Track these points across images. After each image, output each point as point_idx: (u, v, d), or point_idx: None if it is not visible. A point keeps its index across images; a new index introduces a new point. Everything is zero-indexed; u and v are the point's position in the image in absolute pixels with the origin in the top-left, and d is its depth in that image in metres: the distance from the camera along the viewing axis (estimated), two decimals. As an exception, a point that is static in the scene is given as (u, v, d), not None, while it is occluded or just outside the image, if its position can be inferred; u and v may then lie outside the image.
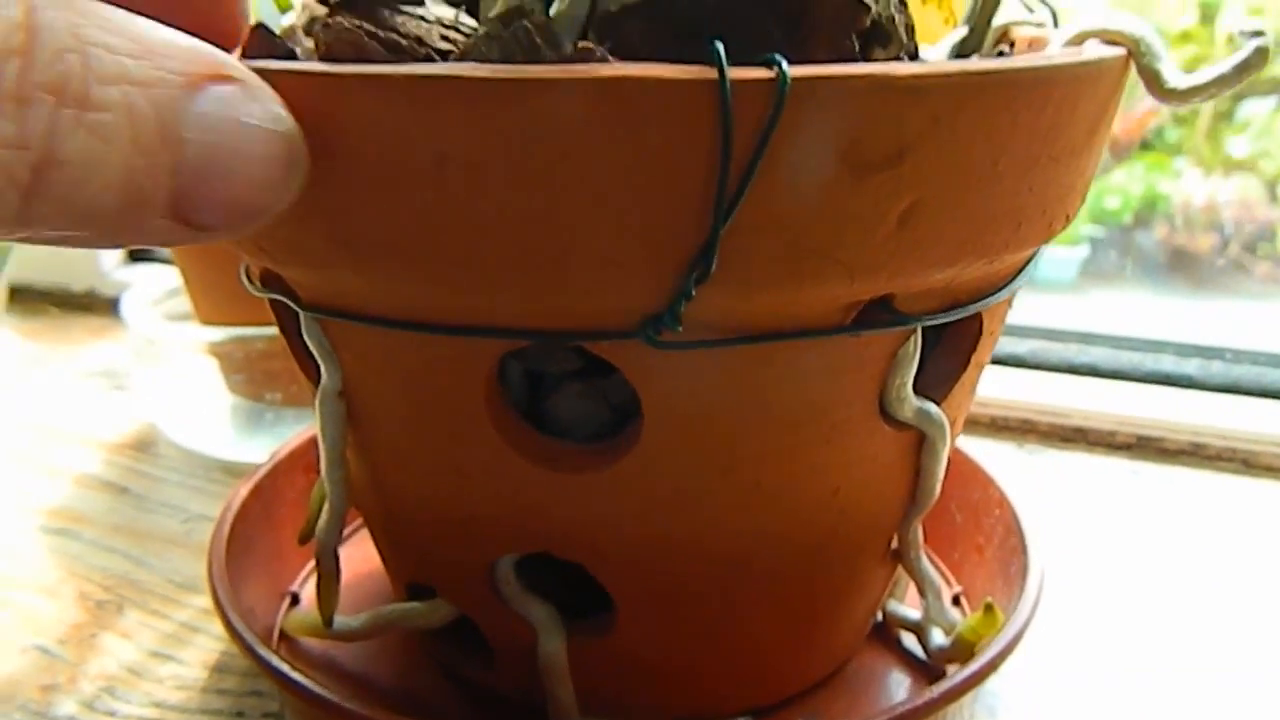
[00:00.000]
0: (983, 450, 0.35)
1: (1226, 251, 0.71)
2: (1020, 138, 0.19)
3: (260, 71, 0.16)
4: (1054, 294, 0.71)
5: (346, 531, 0.28)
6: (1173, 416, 0.45)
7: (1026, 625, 0.26)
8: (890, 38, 0.20)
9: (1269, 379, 0.48)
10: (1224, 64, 0.21)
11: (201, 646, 0.32)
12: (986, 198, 0.19)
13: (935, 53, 0.28)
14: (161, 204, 0.14)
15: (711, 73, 0.16)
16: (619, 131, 0.16)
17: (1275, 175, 0.69)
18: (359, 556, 0.32)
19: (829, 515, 0.24)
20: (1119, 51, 0.21)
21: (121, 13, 0.14)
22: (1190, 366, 0.49)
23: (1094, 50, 0.20)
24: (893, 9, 0.20)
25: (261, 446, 0.44)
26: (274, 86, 0.16)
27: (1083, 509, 0.41)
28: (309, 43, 0.23)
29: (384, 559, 0.29)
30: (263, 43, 0.22)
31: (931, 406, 0.23)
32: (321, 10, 0.24)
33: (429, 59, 0.19)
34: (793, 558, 0.24)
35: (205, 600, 0.34)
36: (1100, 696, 0.30)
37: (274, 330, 0.26)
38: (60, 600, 0.35)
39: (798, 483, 0.22)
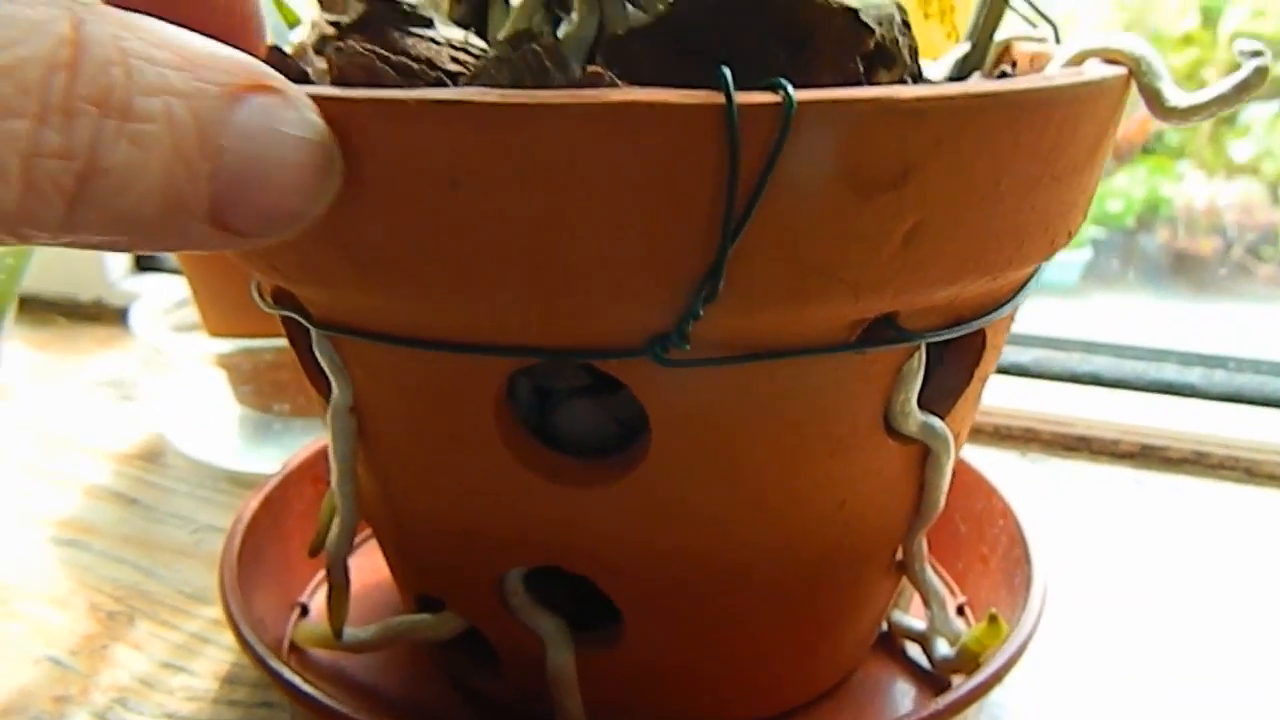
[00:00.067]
0: (986, 459, 0.35)
1: (1229, 255, 0.71)
2: (1022, 157, 0.19)
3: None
4: (1056, 297, 0.71)
5: (355, 543, 0.28)
6: (1176, 425, 0.46)
7: (1031, 636, 0.27)
8: (894, 60, 0.20)
9: (1272, 388, 0.48)
10: (1224, 83, 0.21)
11: (212, 657, 0.33)
12: (989, 217, 0.19)
13: (938, 69, 0.28)
14: (200, 210, 0.14)
15: (718, 97, 0.16)
16: (628, 155, 0.16)
17: (1277, 178, 0.69)
18: (368, 567, 0.32)
19: (834, 528, 0.24)
20: (1120, 71, 0.21)
21: (165, 25, 0.14)
22: (1193, 375, 0.49)
23: (1095, 70, 0.21)
24: (896, 31, 0.20)
25: (269, 457, 0.44)
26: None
27: (1086, 518, 0.41)
28: (320, 63, 0.24)
29: (393, 571, 0.30)
30: (277, 64, 0.22)
31: (936, 420, 0.23)
32: (330, 29, 0.24)
33: (440, 82, 0.19)
34: (798, 570, 0.24)
35: (215, 611, 0.35)
36: (1105, 706, 0.31)
37: (282, 342, 0.26)
38: (71, 611, 0.35)
39: (803, 496, 0.23)
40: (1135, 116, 0.22)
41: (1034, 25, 0.29)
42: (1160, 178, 0.74)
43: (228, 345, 0.44)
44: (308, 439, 0.43)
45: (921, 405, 0.23)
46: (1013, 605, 0.29)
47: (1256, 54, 0.21)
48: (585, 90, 0.16)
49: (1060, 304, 0.70)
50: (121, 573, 0.37)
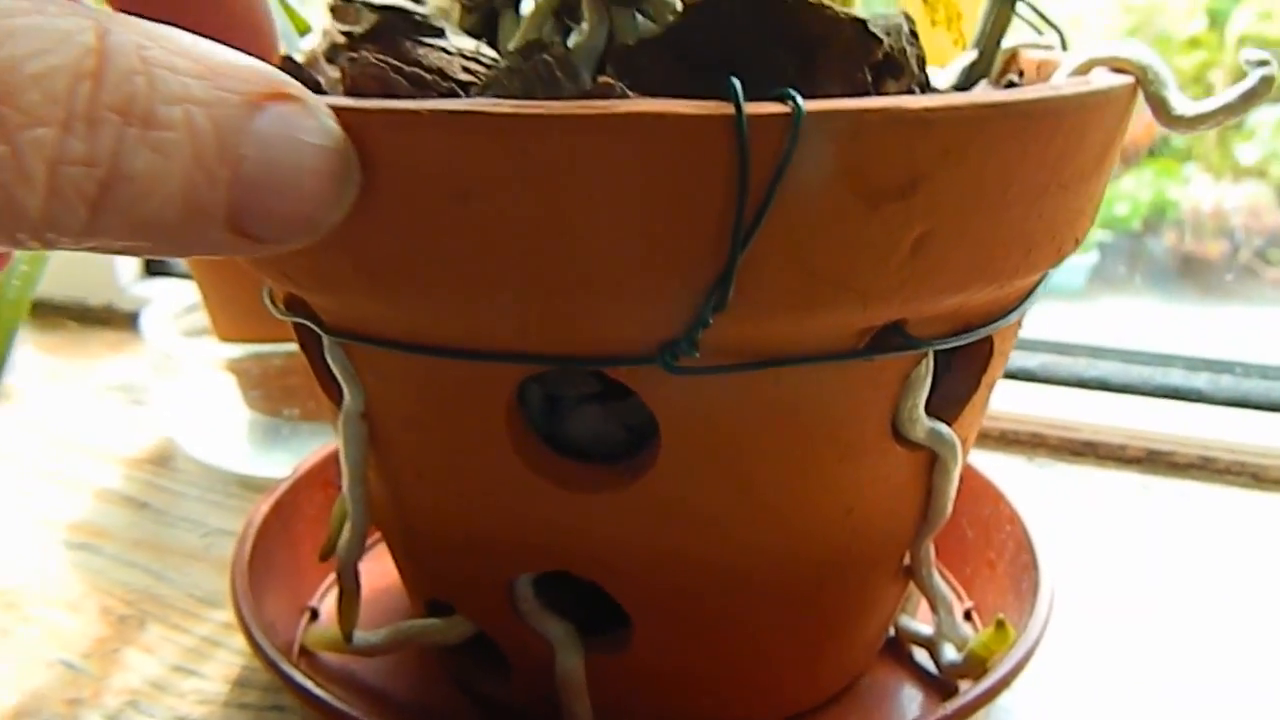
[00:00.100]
0: (993, 464, 0.35)
1: (1237, 258, 0.70)
2: (1030, 167, 0.19)
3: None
4: (1063, 301, 0.71)
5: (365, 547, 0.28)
6: (1182, 430, 0.46)
7: (1038, 642, 0.27)
8: (902, 70, 0.20)
9: (1278, 393, 0.48)
10: (1230, 92, 0.21)
11: (223, 661, 0.33)
12: (997, 225, 0.19)
13: (945, 76, 0.28)
14: (219, 216, 0.15)
15: (728, 108, 0.16)
16: (638, 165, 0.17)
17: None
18: (377, 571, 0.32)
19: (842, 534, 0.24)
20: (1126, 80, 0.21)
21: (187, 35, 0.15)
22: (1200, 380, 0.49)
23: (1102, 79, 0.21)
24: (904, 41, 0.20)
25: (278, 462, 0.44)
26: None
27: (1093, 523, 0.41)
28: (332, 71, 0.24)
29: (403, 575, 0.30)
30: (290, 73, 0.22)
31: (943, 427, 0.23)
32: (342, 38, 0.25)
33: (452, 92, 0.20)
34: (806, 575, 0.25)
35: (225, 615, 0.35)
36: (1112, 712, 0.31)
37: (291, 347, 0.27)
38: (83, 615, 0.35)
39: (811, 502, 0.23)
40: (1141, 118, 0.22)
41: (1040, 32, 0.29)
42: (1167, 181, 0.74)
43: (237, 350, 0.44)
44: (316, 443, 0.43)
45: (929, 412, 0.23)
46: (1020, 611, 0.29)
47: (1263, 63, 0.21)
48: (596, 101, 0.17)
49: (1067, 307, 0.70)
50: (132, 576, 0.38)
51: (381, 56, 0.19)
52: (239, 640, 0.33)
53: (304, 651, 0.31)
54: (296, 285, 0.21)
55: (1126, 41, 0.22)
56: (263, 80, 0.15)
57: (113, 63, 0.13)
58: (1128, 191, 0.74)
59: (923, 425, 0.23)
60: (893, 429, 0.23)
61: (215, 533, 0.41)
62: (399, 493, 0.25)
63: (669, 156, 0.17)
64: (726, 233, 0.17)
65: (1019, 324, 0.25)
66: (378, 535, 0.34)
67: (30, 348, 0.62)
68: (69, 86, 0.13)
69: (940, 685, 0.30)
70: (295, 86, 0.16)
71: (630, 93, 0.18)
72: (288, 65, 0.23)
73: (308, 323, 0.23)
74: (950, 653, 0.29)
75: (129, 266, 0.67)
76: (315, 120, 0.16)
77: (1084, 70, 0.23)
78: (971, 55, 0.28)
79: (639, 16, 0.22)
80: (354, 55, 0.19)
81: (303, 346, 0.26)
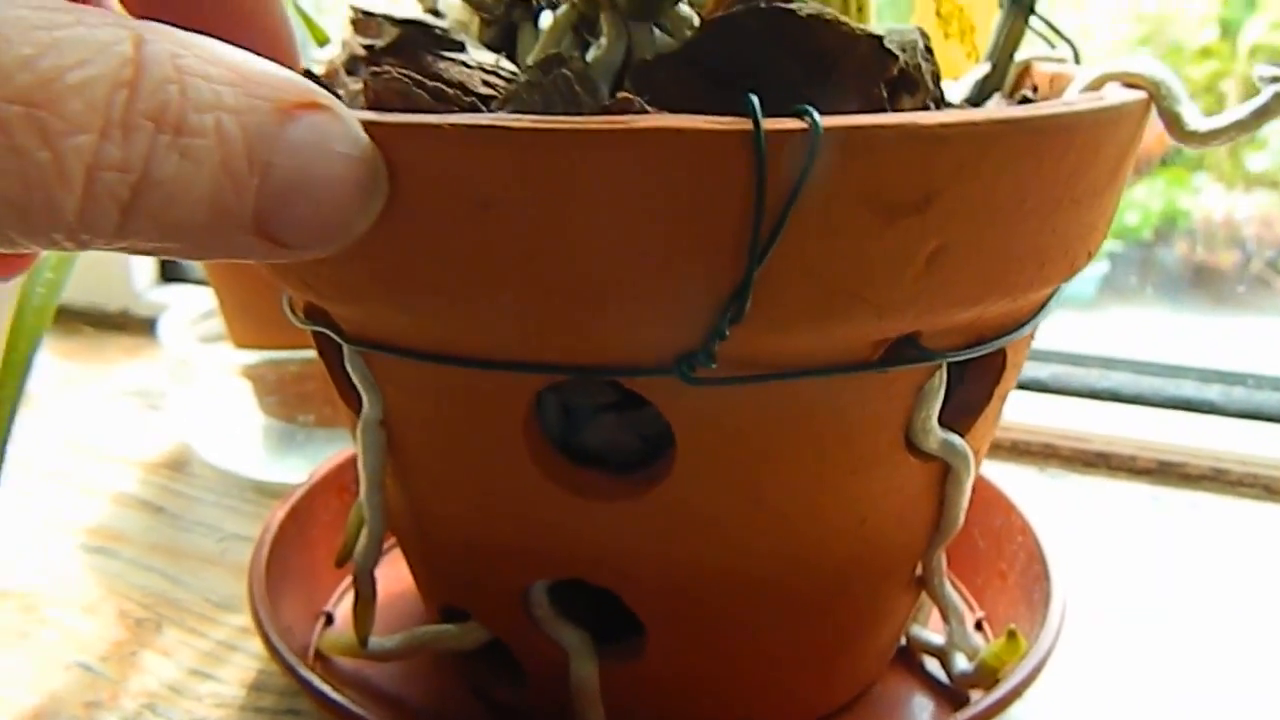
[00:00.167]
0: (1005, 474, 0.35)
1: (1249, 268, 0.70)
2: (1043, 182, 0.19)
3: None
4: (1074, 310, 0.71)
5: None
6: (1194, 442, 0.46)
7: (1050, 653, 0.27)
8: (918, 85, 0.20)
9: (1291, 405, 0.48)
10: (1243, 109, 0.21)
11: (239, 665, 0.33)
12: (1011, 239, 0.20)
13: (958, 89, 0.29)
14: (247, 221, 0.15)
15: (746, 124, 0.17)
16: (657, 179, 0.17)
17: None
18: (392, 576, 0.32)
19: (855, 544, 0.24)
20: (1140, 95, 0.21)
21: (222, 45, 0.15)
22: (1212, 392, 0.49)
23: (1115, 95, 0.21)
24: (919, 57, 0.20)
25: (293, 467, 0.45)
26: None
27: (1104, 534, 0.41)
28: (353, 84, 0.24)
29: (418, 581, 0.30)
30: (311, 86, 0.23)
31: (956, 438, 0.23)
32: (362, 50, 0.25)
33: (473, 106, 0.20)
34: (819, 585, 0.25)
35: (241, 619, 0.35)
36: (1122, 722, 0.31)
37: (307, 354, 0.27)
38: (101, 618, 0.36)
39: (825, 513, 0.23)
40: (1153, 128, 0.22)
41: (1053, 46, 0.30)
42: (1178, 190, 0.74)
43: (253, 357, 0.45)
44: (331, 449, 0.43)
45: (942, 423, 0.23)
46: (1031, 621, 0.29)
47: (1276, 79, 0.21)
48: (615, 116, 0.17)
49: (1078, 317, 0.70)
50: (150, 580, 0.38)
51: (404, 70, 0.20)
52: (255, 644, 0.33)
53: (319, 656, 0.31)
54: (318, 295, 0.22)
55: (1140, 57, 0.22)
56: (295, 89, 0.15)
57: (148, 72, 0.14)
58: (1139, 201, 0.74)
59: (936, 436, 0.23)
60: (906, 440, 0.23)
61: (230, 538, 0.41)
62: (416, 500, 0.25)
63: (687, 171, 0.17)
64: (744, 246, 0.17)
65: (1032, 336, 0.25)
66: (393, 541, 0.34)
67: (47, 352, 0.62)
68: (108, 95, 0.13)
69: (952, 695, 0.30)
70: (327, 96, 0.16)
71: (649, 108, 0.18)
72: (307, 77, 0.23)
73: (328, 331, 0.23)
74: (962, 662, 0.29)
75: (145, 272, 0.68)
76: (346, 130, 0.16)
77: (1097, 85, 0.23)
78: (985, 68, 0.29)
79: (657, 31, 0.22)
80: (377, 69, 0.20)
81: (322, 355, 0.26)
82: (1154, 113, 0.22)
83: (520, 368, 0.20)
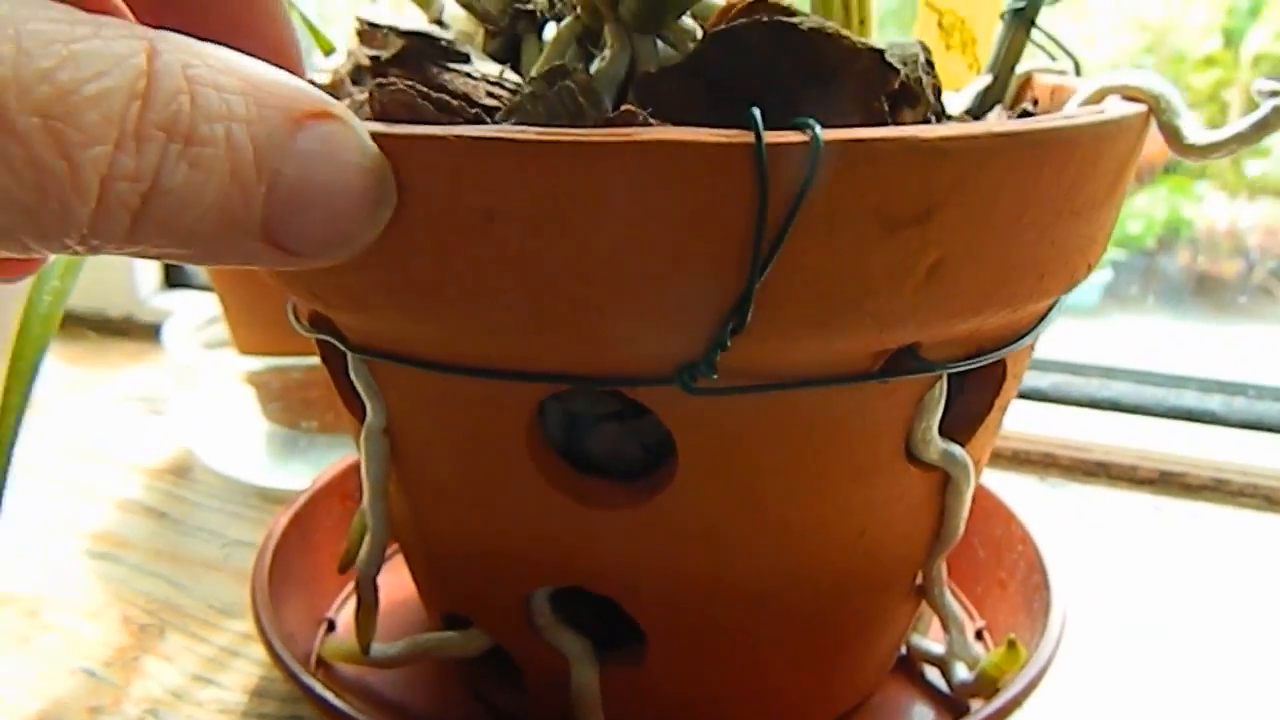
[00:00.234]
0: (1005, 484, 0.35)
1: (1251, 277, 0.70)
2: (1043, 195, 0.19)
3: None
4: (1077, 319, 0.71)
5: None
6: (1195, 452, 0.46)
7: (1049, 663, 0.27)
8: (918, 99, 0.20)
9: (1292, 416, 0.48)
10: (1243, 122, 0.21)
11: (241, 670, 0.33)
12: (1010, 251, 0.20)
13: (960, 100, 0.29)
14: (255, 229, 0.15)
15: (748, 136, 0.17)
16: (660, 191, 0.17)
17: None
18: (395, 584, 0.32)
19: (855, 554, 0.24)
20: (1139, 108, 0.21)
21: (234, 54, 0.15)
22: (1213, 402, 0.49)
23: (1115, 108, 0.21)
24: (920, 71, 0.20)
25: (296, 473, 0.45)
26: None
27: (1105, 543, 0.41)
28: (358, 93, 0.24)
29: (420, 589, 0.30)
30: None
31: (956, 448, 0.23)
32: (368, 61, 0.25)
33: (478, 117, 0.20)
34: (818, 594, 0.25)
35: (243, 625, 0.35)
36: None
37: (310, 360, 0.27)
38: (104, 623, 0.36)
39: (826, 523, 0.23)
40: (1155, 136, 0.22)
41: (1054, 58, 0.30)
42: (1181, 199, 0.74)
43: (257, 363, 0.45)
44: (334, 455, 0.43)
45: (942, 433, 0.23)
46: (1032, 630, 0.29)
47: (1275, 94, 0.21)
48: (618, 128, 0.17)
49: (1081, 326, 0.70)
50: (153, 586, 0.38)
51: (409, 82, 0.20)
52: (257, 650, 0.34)
53: (321, 662, 0.31)
54: (324, 303, 0.22)
55: (1140, 70, 0.23)
56: (306, 99, 0.16)
57: (160, 83, 0.14)
58: (1142, 209, 0.74)
59: (936, 446, 0.23)
60: (906, 450, 0.23)
61: (233, 544, 0.41)
62: (419, 507, 0.26)
63: (690, 183, 0.17)
64: (745, 257, 0.17)
65: (1032, 347, 0.25)
66: (395, 547, 0.34)
67: (51, 357, 0.62)
68: (123, 107, 0.14)
69: (952, 704, 0.30)
70: (337, 106, 0.16)
71: (652, 120, 0.18)
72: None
73: (332, 340, 0.23)
74: (962, 672, 0.29)
75: (149, 278, 0.68)
76: (355, 140, 0.16)
77: (1097, 99, 0.23)
78: (986, 80, 0.29)
79: (660, 44, 0.22)
80: (382, 81, 0.20)
81: (326, 362, 0.26)
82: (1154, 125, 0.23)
83: (523, 377, 0.20)
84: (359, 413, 0.24)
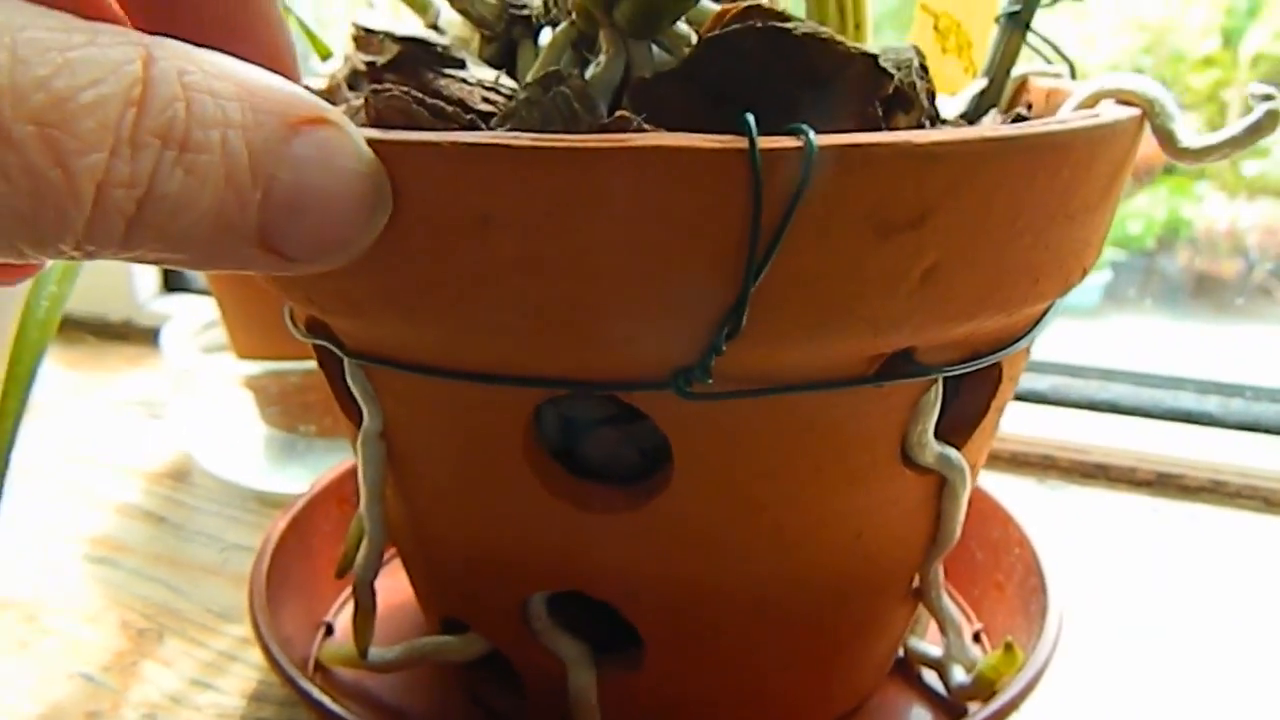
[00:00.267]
0: (1003, 486, 0.35)
1: (1251, 277, 0.70)
2: (1037, 199, 0.19)
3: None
4: (1077, 319, 0.71)
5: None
6: (1193, 454, 0.46)
7: (1046, 665, 0.27)
8: (912, 103, 0.21)
9: (1290, 417, 0.48)
10: (1236, 126, 0.21)
11: (239, 675, 0.33)
12: (1005, 255, 0.20)
13: (956, 104, 0.29)
14: (251, 235, 0.15)
15: (742, 142, 0.17)
16: (654, 197, 0.17)
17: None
18: (393, 588, 0.32)
19: (852, 557, 0.24)
20: (1133, 112, 0.22)
21: (231, 60, 0.15)
22: (1211, 404, 0.49)
23: (1108, 112, 0.21)
24: (914, 75, 0.21)
25: (294, 477, 0.45)
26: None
27: (1103, 545, 0.41)
28: (355, 99, 0.24)
29: (418, 593, 0.30)
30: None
31: (952, 451, 0.23)
32: (363, 64, 0.25)
33: (473, 123, 0.20)
34: (815, 598, 0.25)
35: (241, 629, 0.35)
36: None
37: (308, 365, 0.27)
38: (103, 628, 0.36)
39: (822, 526, 0.23)
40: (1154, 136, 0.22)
41: (1050, 61, 0.30)
42: (1181, 199, 0.74)
43: (256, 367, 0.45)
44: (332, 459, 0.43)
45: (938, 436, 0.23)
46: (1029, 632, 0.29)
47: (1269, 97, 0.21)
48: (613, 134, 0.17)
49: (1081, 326, 0.70)
50: (151, 590, 0.38)
51: (405, 89, 0.20)
52: (255, 655, 0.34)
53: (319, 667, 0.31)
54: (320, 308, 0.22)
55: (1134, 74, 0.23)
56: (301, 104, 0.16)
57: (156, 90, 0.14)
58: (1142, 209, 0.74)
59: (932, 450, 0.23)
60: (902, 453, 0.23)
61: (232, 548, 0.41)
62: (416, 512, 0.26)
63: (684, 189, 0.17)
64: (740, 262, 0.18)
65: (1028, 350, 0.25)
66: (393, 551, 0.34)
67: (50, 362, 0.62)
68: (119, 114, 0.14)
69: (949, 707, 0.30)
70: (333, 112, 0.16)
71: (646, 126, 0.18)
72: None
73: (329, 345, 0.23)
74: (959, 674, 0.29)
75: (148, 282, 0.68)
76: (351, 145, 0.16)
77: (1091, 102, 0.23)
78: (982, 83, 0.29)
79: (655, 49, 0.22)
80: (377, 87, 0.20)
81: (322, 367, 0.26)
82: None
83: (519, 382, 0.20)
84: (356, 417, 0.24)
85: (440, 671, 0.31)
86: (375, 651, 0.28)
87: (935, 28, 0.33)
